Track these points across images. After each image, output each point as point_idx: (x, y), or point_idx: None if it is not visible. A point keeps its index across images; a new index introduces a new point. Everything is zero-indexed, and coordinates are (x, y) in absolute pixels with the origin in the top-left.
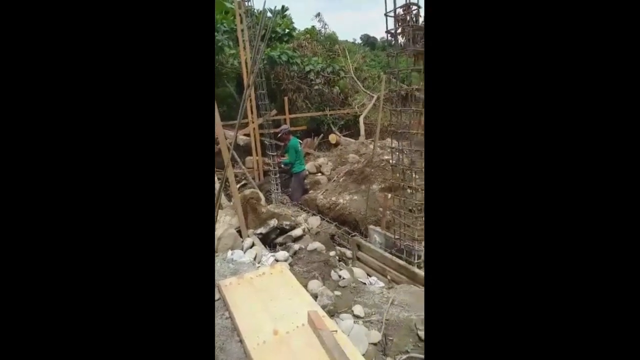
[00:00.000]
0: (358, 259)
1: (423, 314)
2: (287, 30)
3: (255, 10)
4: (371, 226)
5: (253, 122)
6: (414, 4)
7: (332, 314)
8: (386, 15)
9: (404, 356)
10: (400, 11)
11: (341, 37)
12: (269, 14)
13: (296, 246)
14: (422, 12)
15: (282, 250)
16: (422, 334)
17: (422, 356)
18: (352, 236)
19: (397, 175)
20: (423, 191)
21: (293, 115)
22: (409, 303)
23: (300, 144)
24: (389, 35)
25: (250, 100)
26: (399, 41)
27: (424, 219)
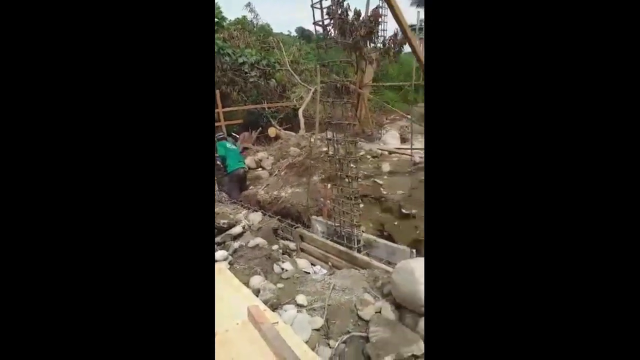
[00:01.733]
0: (302, 249)
1: (362, 294)
2: (215, 20)
3: None
4: (313, 216)
5: None
6: None
7: (275, 306)
8: (312, 7)
9: (345, 336)
10: (329, 3)
11: (275, 29)
12: None
13: (236, 244)
14: (351, 7)
15: (221, 249)
16: (361, 313)
17: (362, 334)
18: (295, 228)
19: (336, 165)
20: (359, 180)
21: (227, 109)
22: (349, 286)
23: (237, 139)
24: (316, 27)
25: None
26: (332, 34)
27: (361, 205)
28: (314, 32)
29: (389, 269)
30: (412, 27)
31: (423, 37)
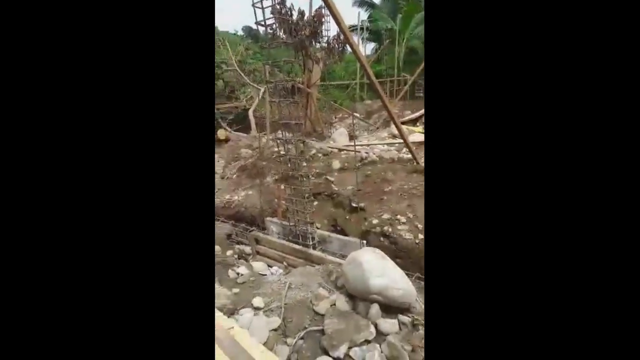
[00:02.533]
0: (258, 252)
1: (317, 289)
2: None
3: None
4: (268, 218)
5: None
6: None
7: (231, 312)
8: (254, 6)
9: (302, 332)
10: (270, 3)
11: (221, 28)
12: None
13: None
14: (295, 7)
15: None
16: (317, 308)
17: (319, 328)
18: (250, 231)
19: (288, 165)
20: (311, 178)
21: None
22: (304, 283)
23: None
24: (258, 26)
25: None
26: (277, 33)
27: (315, 202)
28: (261, 32)
29: (342, 261)
30: (354, 27)
31: (365, 37)
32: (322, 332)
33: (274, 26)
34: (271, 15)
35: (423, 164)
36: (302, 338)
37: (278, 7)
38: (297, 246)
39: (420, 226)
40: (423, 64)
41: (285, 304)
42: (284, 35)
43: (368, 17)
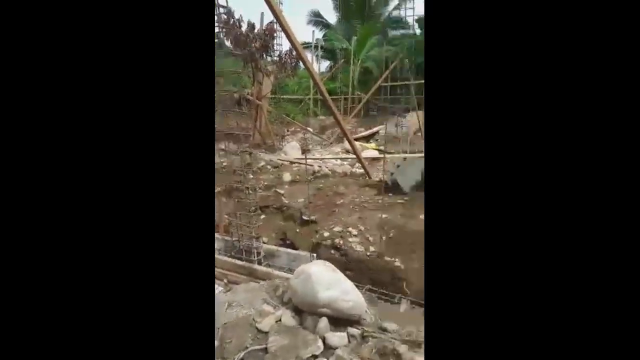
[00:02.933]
0: None
1: (261, 306)
2: None
3: None
4: None
5: None
6: (222, 6)
7: None
8: None
9: (243, 353)
10: (223, 16)
11: None
12: None
13: None
14: (244, 18)
15: None
16: (260, 325)
17: (262, 346)
18: None
19: (232, 177)
20: (259, 190)
21: None
22: (247, 300)
23: None
24: None
25: None
26: (225, 43)
27: (262, 216)
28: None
29: (290, 276)
30: (308, 44)
31: (319, 54)
32: (266, 350)
33: (221, 35)
34: (217, 24)
35: (374, 178)
36: (242, 359)
37: (225, 16)
38: (240, 262)
39: (372, 238)
40: (378, 84)
41: (223, 324)
42: (231, 45)
43: (323, 36)
